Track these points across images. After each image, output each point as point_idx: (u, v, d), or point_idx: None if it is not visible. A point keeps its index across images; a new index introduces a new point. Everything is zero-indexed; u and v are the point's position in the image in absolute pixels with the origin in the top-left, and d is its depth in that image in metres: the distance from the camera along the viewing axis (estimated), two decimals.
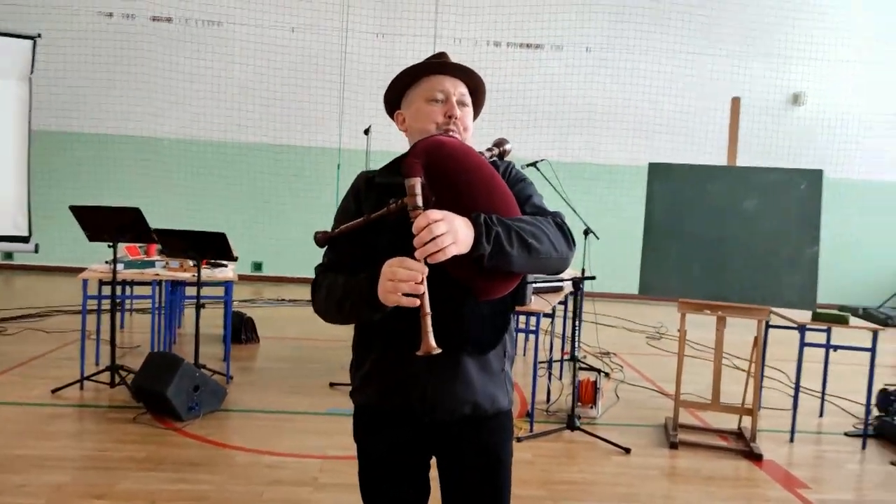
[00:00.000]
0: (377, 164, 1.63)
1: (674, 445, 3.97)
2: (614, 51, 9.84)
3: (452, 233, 1.26)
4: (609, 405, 4.67)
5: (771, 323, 4.49)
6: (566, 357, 5.28)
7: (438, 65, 1.53)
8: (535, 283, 4.42)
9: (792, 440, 4.21)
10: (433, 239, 1.24)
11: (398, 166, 1.40)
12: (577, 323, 4.21)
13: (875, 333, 4.16)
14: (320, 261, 1.57)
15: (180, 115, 9.45)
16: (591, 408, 4.41)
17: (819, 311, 4.18)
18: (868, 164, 10.13)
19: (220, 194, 9.49)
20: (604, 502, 3.24)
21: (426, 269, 1.28)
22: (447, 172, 1.34)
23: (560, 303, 5.08)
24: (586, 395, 4.40)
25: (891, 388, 4.62)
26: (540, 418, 4.25)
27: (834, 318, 4.27)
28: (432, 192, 1.33)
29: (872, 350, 4.14)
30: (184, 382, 3.90)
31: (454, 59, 1.54)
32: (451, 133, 1.48)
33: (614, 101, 9.85)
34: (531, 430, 4.06)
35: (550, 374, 5.02)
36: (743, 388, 4.17)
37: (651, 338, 7.19)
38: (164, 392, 3.79)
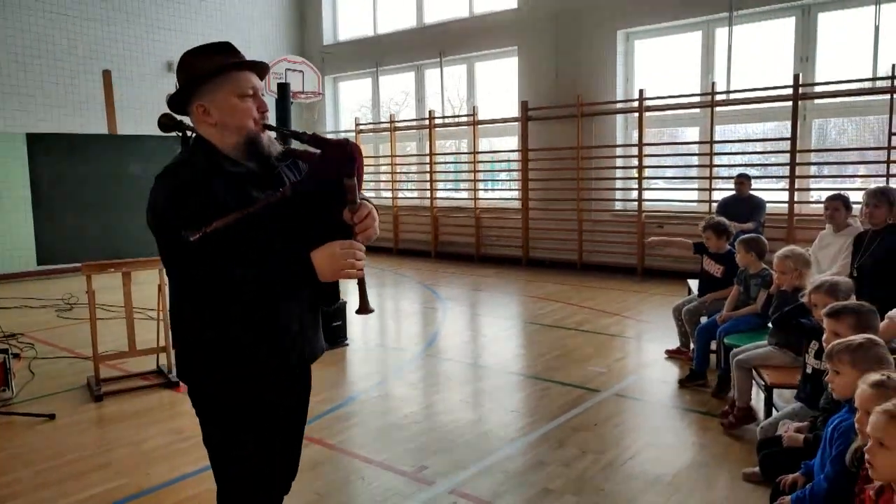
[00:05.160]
0: None
1: (99, 398, 4.25)
2: None
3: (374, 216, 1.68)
4: (24, 382, 4.57)
5: None
6: None
7: (250, 63, 1.67)
8: None
9: None
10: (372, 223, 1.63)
11: (252, 155, 1.65)
12: None
13: None
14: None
15: None
16: (4, 390, 4.26)
17: None
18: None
19: None
20: (30, 466, 3.32)
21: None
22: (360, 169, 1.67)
23: None
24: None
25: None
26: None
27: None
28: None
29: None
30: None
31: None
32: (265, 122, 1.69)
33: None
34: None
35: None
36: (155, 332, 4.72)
37: (62, 310, 7.02)
38: None
